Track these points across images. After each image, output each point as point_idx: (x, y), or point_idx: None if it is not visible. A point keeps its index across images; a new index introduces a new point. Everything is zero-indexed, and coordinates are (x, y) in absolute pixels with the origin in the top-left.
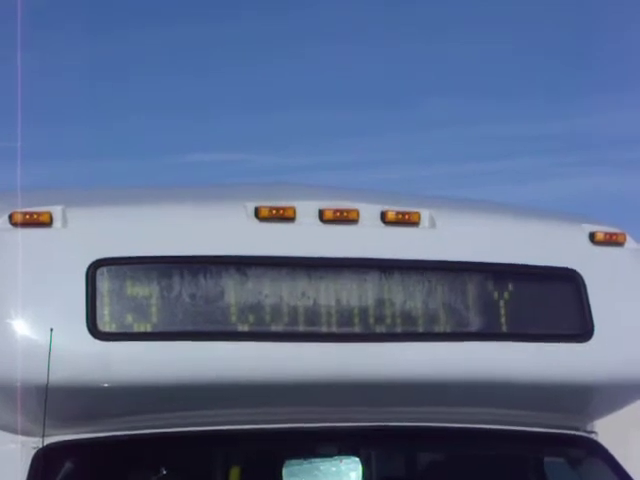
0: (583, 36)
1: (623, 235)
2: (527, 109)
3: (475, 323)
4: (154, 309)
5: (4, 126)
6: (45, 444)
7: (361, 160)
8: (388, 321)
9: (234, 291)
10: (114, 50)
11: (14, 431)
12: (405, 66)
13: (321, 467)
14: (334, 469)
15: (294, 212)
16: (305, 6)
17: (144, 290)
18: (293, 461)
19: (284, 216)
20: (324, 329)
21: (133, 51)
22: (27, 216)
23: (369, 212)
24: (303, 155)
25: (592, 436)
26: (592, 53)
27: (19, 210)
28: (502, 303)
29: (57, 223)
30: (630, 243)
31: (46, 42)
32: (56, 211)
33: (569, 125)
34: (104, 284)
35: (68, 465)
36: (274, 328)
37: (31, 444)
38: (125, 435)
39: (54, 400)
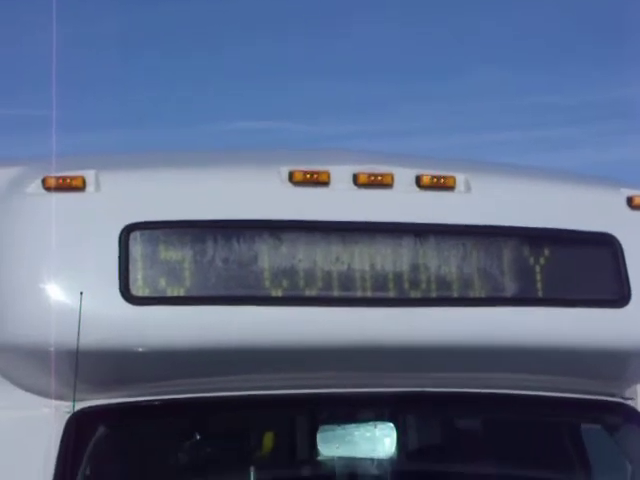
0: (625, 6)
1: None
2: (569, 79)
3: (511, 288)
4: (187, 274)
5: (47, 95)
6: (78, 409)
7: (406, 128)
8: (423, 286)
9: (267, 256)
10: (155, 20)
11: (48, 395)
12: (449, 37)
13: (355, 432)
14: (369, 434)
15: (328, 176)
16: None
17: (177, 255)
18: (327, 426)
19: (318, 180)
20: (358, 294)
21: (174, 21)
22: (60, 180)
23: (404, 176)
24: (346, 123)
25: (629, 402)
26: (633, 23)
27: (52, 175)
28: (538, 268)
29: (90, 187)
30: None
31: (88, 12)
32: (89, 175)
33: (610, 94)
34: (137, 248)
35: (101, 429)
36: (308, 293)
37: (64, 408)
38: (158, 400)
39: (86, 364)
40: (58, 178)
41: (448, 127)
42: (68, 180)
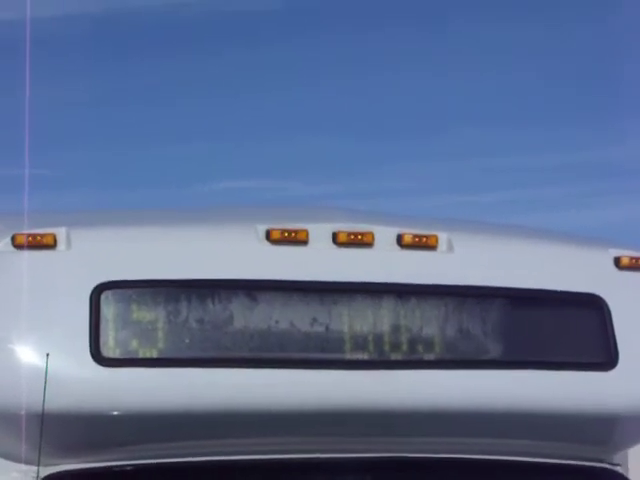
0: (614, 63)
1: None
2: (560, 138)
3: (494, 351)
4: (160, 334)
5: (35, 153)
6: (47, 474)
7: (391, 188)
8: (404, 348)
9: (244, 316)
10: (143, 77)
11: (18, 460)
12: (436, 96)
13: None
14: None
15: (306, 235)
16: (337, 34)
17: (150, 315)
18: None
19: (296, 239)
20: (337, 356)
21: (163, 78)
22: (30, 238)
23: (385, 235)
24: (332, 183)
25: (616, 468)
26: (622, 80)
27: (22, 232)
28: (522, 330)
29: (61, 245)
30: None
31: (71, 69)
32: (60, 233)
33: (601, 153)
34: (108, 308)
35: None
36: (285, 355)
37: (32, 473)
38: (129, 465)
39: (56, 428)
40: (28, 235)
41: (429, 188)
42: (38, 237)
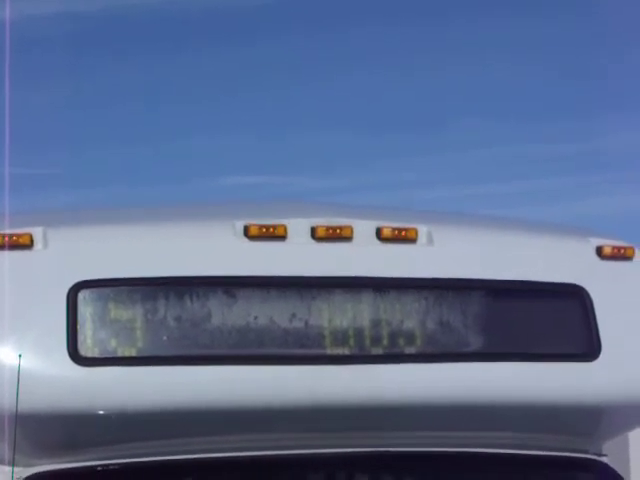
0: (613, 54)
1: (632, 249)
2: (554, 130)
3: (476, 343)
4: (138, 333)
5: (41, 154)
6: (28, 474)
7: (392, 181)
8: (384, 342)
9: (222, 313)
10: (146, 73)
11: (2, 461)
12: (434, 89)
13: None
14: None
15: (285, 230)
16: (341, 31)
17: (128, 313)
18: None
19: (275, 234)
20: (317, 351)
21: (165, 74)
22: (6, 238)
23: (364, 229)
24: (337, 177)
25: (602, 459)
26: (618, 72)
27: None
28: (504, 322)
29: (38, 245)
30: (639, 257)
31: (71, 68)
32: (37, 232)
33: (596, 144)
34: (86, 307)
35: None
36: (265, 351)
37: (16, 474)
38: (110, 464)
39: (35, 428)
40: (4, 235)
41: (430, 180)
42: (15, 237)
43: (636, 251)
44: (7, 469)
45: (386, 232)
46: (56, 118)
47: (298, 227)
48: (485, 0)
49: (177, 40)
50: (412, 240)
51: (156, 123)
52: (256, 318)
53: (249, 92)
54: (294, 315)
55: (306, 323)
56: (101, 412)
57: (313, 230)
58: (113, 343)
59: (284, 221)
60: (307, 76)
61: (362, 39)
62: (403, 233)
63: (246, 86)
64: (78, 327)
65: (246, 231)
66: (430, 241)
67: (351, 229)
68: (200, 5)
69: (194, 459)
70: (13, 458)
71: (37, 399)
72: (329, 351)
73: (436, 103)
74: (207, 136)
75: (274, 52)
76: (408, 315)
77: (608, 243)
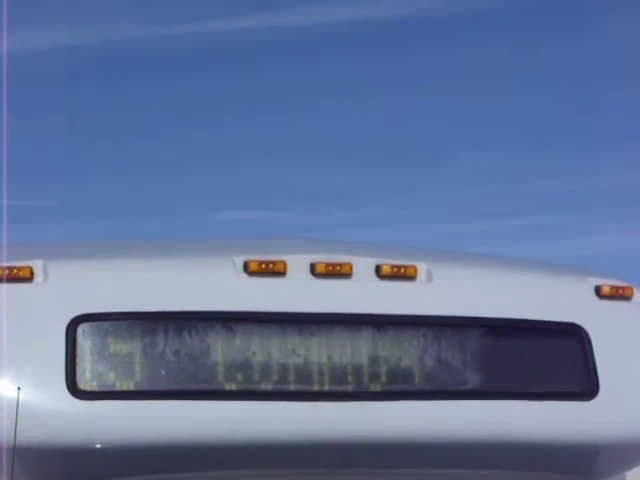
0: (616, 90)
1: (630, 289)
2: (553, 166)
3: (474, 381)
4: (137, 367)
5: (39, 185)
6: None
7: (394, 217)
8: (383, 379)
9: (221, 348)
10: (139, 109)
11: None
12: (435, 123)
13: None
14: None
15: (284, 266)
16: (330, 60)
17: (127, 347)
18: None
19: (274, 270)
20: (316, 387)
21: (158, 110)
22: (7, 271)
23: (363, 266)
24: (334, 212)
25: None
26: (619, 109)
27: None
28: (503, 360)
29: (38, 278)
30: (637, 297)
31: (67, 101)
32: (37, 265)
33: (595, 181)
34: (85, 341)
35: None
36: (263, 387)
37: None
38: None
39: (32, 461)
40: (5, 268)
41: (431, 215)
42: (15, 270)
43: (635, 291)
44: None
45: (385, 269)
46: (54, 150)
47: (297, 263)
48: (483, 34)
49: (173, 75)
50: (411, 277)
51: (154, 156)
52: (255, 354)
53: (245, 127)
54: (293, 351)
55: (305, 359)
56: (99, 446)
57: (312, 266)
58: (112, 377)
59: (284, 257)
60: (302, 110)
61: (357, 71)
62: (402, 270)
63: (242, 121)
64: (77, 360)
65: (246, 267)
66: (429, 278)
67: (350, 266)
68: (197, 41)
69: None
70: None
71: (35, 432)
72: (327, 387)
73: (434, 138)
74: (201, 170)
75: (266, 83)
76: (407, 352)
77: (607, 283)
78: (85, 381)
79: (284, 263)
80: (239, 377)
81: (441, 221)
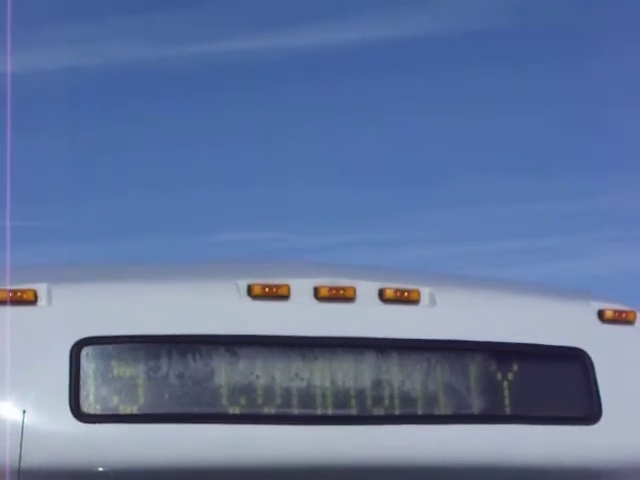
0: (615, 112)
1: (633, 313)
2: (554, 187)
3: (478, 405)
4: (141, 390)
5: (42, 206)
6: None
7: (398, 238)
8: (386, 403)
9: (225, 372)
10: (140, 129)
11: None
12: (440, 142)
13: None
14: None
15: (288, 290)
16: (333, 81)
17: (131, 370)
18: None
19: (278, 294)
20: (319, 411)
21: (158, 129)
22: (11, 294)
23: (366, 290)
24: (338, 232)
25: None
26: (619, 129)
27: (3, 287)
28: (506, 384)
29: (42, 301)
30: None
31: (82, 122)
32: (41, 289)
33: (596, 202)
34: (89, 364)
35: None
36: (266, 410)
37: None
38: None
39: None
40: (9, 291)
41: (434, 236)
42: (19, 293)
43: (637, 315)
44: None
45: (389, 293)
46: (56, 171)
47: (301, 287)
48: (485, 55)
49: (175, 94)
50: (414, 301)
51: (155, 175)
52: (258, 377)
53: (246, 146)
54: (296, 375)
55: (308, 383)
56: (103, 469)
57: (316, 290)
58: (115, 400)
59: (287, 281)
60: (306, 129)
61: (361, 92)
62: (406, 294)
63: (244, 140)
64: (81, 384)
65: (249, 290)
66: (432, 302)
67: (354, 290)
68: (198, 61)
69: None
70: None
71: (40, 455)
72: (331, 411)
73: (437, 158)
74: (202, 189)
75: (272, 106)
76: (410, 376)
77: (610, 307)
78: (89, 404)
79: (288, 287)
80: (243, 401)
81: (443, 242)
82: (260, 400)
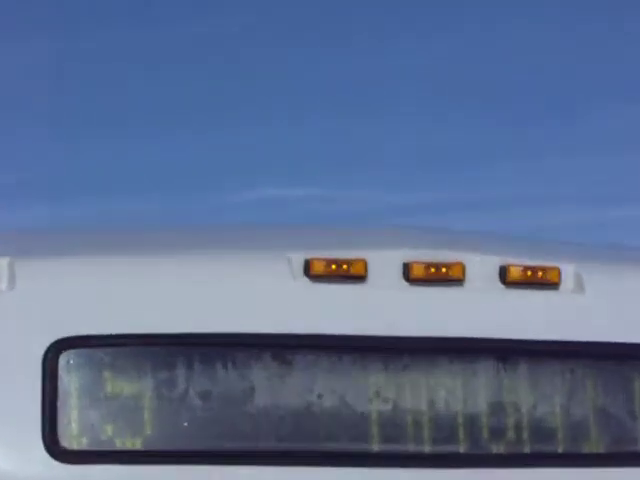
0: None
1: None
2: None
3: None
4: (145, 416)
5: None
6: None
7: (518, 193)
8: (511, 436)
9: (269, 389)
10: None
11: None
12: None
13: None
14: None
15: (364, 267)
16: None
17: (131, 386)
18: None
19: (349, 274)
20: (411, 448)
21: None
22: None
23: (482, 268)
24: (419, 190)
25: None
26: None
27: None
28: None
29: (1, 284)
30: None
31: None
32: (0, 266)
33: None
34: (70, 377)
35: None
36: (333, 447)
37: None
38: None
39: None
40: None
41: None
42: None
43: None
44: None
45: (514, 273)
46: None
47: (384, 263)
48: (493, 52)
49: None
50: (553, 285)
51: (162, 109)
52: (320, 397)
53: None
54: (377, 394)
55: (394, 406)
56: None
57: (406, 268)
58: (109, 430)
59: (363, 254)
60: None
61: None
62: (540, 274)
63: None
64: (58, 406)
65: (307, 268)
66: (579, 287)
67: (462, 267)
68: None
69: None
70: None
71: None
72: (428, 449)
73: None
74: (227, 130)
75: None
76: (546, 397)
77: None
78: (70, 437)
79: (364, 263)
80: (298, 433)
81: (590, 204)
82: (323, 432)
